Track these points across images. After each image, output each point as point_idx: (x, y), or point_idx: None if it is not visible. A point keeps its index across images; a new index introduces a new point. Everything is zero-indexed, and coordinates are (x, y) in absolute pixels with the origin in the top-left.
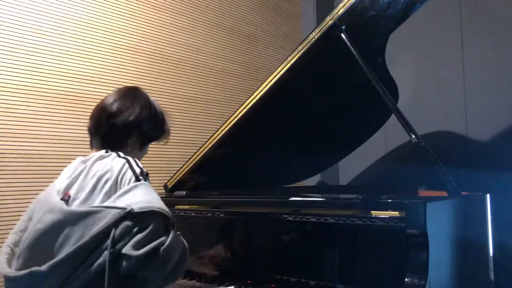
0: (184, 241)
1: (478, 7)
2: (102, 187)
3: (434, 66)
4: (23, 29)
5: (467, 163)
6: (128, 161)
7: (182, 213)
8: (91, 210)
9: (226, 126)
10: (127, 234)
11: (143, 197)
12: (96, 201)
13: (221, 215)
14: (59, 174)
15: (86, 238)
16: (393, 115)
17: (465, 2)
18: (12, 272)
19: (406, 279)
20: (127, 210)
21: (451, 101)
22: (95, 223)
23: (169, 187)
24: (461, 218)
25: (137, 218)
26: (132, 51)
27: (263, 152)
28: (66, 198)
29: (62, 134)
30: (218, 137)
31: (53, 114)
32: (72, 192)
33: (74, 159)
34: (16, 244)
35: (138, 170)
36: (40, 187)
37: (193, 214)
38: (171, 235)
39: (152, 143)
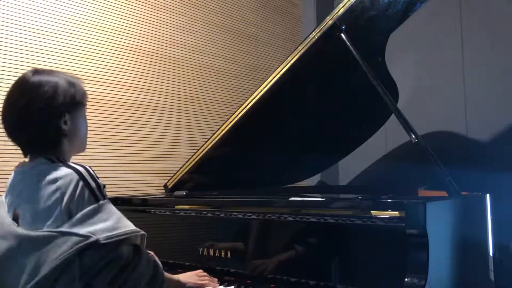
0: (155, 257)
1: (478, 7)
2: (53, 207)
3: (434, 66)
4: (23, 29)
5: (467, 163)
6: (80, 174)
7: (182, 213)
8: (46, 235)
9: (226, 126)
10: (93, 268)
11: (106, 223)
12: (47, 223)
13: (221, 215)
14: None
15: (44, 272)
16: (393, 115)
17: (465, 2)
18: None
19: (406, 279)
20: (91, 241)
21: (451, 101)
22: (52, 250)
23: (169, 187)
24: (461, 218)
25: (104, 250)
26: (132, 51)
27: (263, 152)
28: (16, 218)
29: None
30: (218, 137)
31: None
32: (20, 210)
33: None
34: None
35: (94, 185)
36: None
37: (193, 214)
38: (141, 260)
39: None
